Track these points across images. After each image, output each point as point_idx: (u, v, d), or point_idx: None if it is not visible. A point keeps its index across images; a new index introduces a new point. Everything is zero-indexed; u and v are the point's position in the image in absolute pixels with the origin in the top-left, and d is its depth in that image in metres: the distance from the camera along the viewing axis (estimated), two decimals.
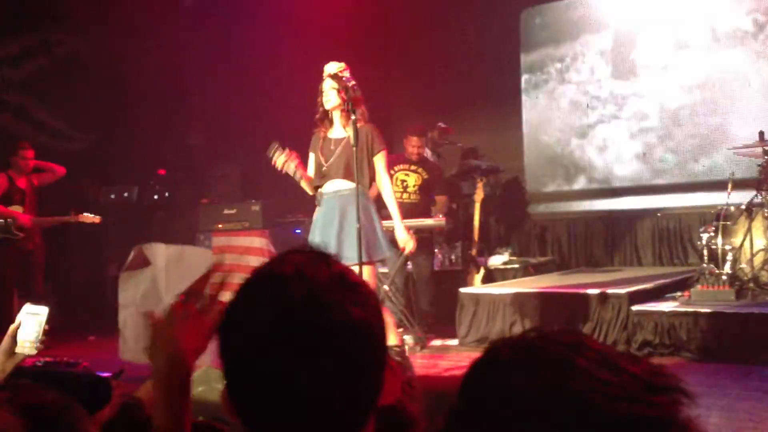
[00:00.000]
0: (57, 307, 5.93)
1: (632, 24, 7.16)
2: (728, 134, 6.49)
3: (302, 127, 7.63)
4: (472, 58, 7.83)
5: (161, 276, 4.02)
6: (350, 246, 3.88)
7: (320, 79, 4.05)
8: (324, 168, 4.02)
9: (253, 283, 0.93)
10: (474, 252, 6.41)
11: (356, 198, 3.87)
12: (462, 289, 5.73)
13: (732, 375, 4.14)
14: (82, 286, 7.65)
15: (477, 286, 5.98)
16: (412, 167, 5.88)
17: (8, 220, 5.90)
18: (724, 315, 4.50)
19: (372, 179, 4.04)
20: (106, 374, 1.57)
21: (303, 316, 0.86)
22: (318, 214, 4.02)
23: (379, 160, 4.02)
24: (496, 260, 6.73)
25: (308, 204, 7.25)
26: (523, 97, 7.79)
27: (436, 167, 6.17)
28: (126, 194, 7.74)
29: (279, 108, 7.90)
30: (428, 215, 5.75)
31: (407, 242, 4.04)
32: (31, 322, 1.52)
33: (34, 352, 1.52)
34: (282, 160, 3.93)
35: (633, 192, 7.19)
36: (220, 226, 7.24)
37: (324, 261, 0.93)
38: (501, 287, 5.60)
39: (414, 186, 5.85)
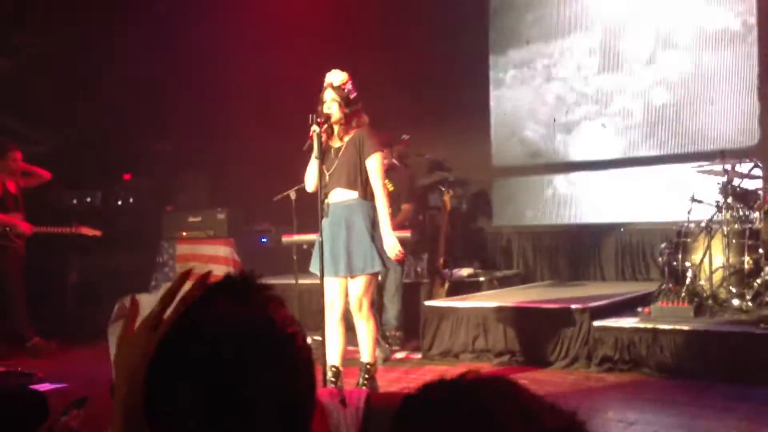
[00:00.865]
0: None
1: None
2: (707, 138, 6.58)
3: (272, 135, 7.67)
4: (441, 71, 7.87)
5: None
6: (359, 255, 3.92)
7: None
8: (326, 178, 4.00)
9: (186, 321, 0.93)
10: (440, 264, 6.43)
11: (361, 207, 3.94)
12: (426, 302, 5.74)
13: (690, 392, 4.19)
14: (41, 292, 7.50)
15: (442, 299, 5.99)
16: None
17: (7, 228, 5.78)
18: (682, 332, 4.55)
19: (366, 186, 4.00)
20: (46, 387, 1.53)
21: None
22: (325, 224, 3.98)
23: (371, 162, 3.97)
24: (462, 273, 6.76)
25: (274, 213, 7.25)
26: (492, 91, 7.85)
27: (404, 176, 6.17)
28: (89, 199, 7.62)
29: (249, 116, 7.86)
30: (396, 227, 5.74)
31: (394, 248, 3.95)
32: None
33: None
34: (317, 132, 3.84)
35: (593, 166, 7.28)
36: (184, 233, 7.20)
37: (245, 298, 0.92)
38: (465, 301, 5.62)
39: None
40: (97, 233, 5.79)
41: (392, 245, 3.96)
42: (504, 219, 7.81)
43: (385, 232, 3.96)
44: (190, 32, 7.76)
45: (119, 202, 7.92)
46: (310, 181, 4.05)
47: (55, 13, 7.18)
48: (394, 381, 4.74)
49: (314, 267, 4.06)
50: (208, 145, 7.88)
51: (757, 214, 5.12)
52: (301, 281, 5.93)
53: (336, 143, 4.06)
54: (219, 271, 7.16)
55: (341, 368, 4.08)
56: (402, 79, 7.91)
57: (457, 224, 7.26)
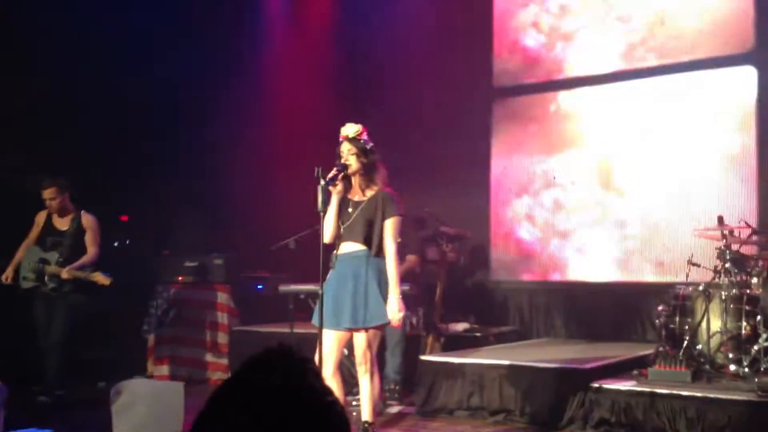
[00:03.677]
0: None
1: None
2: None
3: (274, 182, 7.70)
4: (443, 124, 7.96)
5: (148, 413, 3.94)
6: (365, 308, 3.90)
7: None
8: (341, 230, 4.02)
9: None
10: (436, 318, 6.40)
11: (371, 260, 3.94)
12: (422, 357, 5.70)
13: None
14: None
15: (438, 354, 5.95)
16: None
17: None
18: (680, 397, 4.52)
19: (381, 243, 4.01)
20: None
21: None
22: (331, 275, 3.99)
23: (388, 226, 4.00)
24: (458, 327, 6.72)
25: (271, 260, 7.24)
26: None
27: (409, 228, 6.16)
28: None
29: (251, 162, 7.91)
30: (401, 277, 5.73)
31: (395, 314, 3.92)
32: None
33: None
34: (323, 186, 3.87)
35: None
36: (180, 278, 7.16)
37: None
38: (461, 357, 5.58)
39: None
40: (106, 282, 5.61)
41: (396, 310, 3.92)
42: (501, 274, 7.81)
43: (392, 296, 3.94)
44: (199, 74, 7.86)
45: (115, 244, 7.89)
46: (326, 233, 4.03)
47: (57, 46, 7.17)
48: None
49: (316, 319, 4.04)
50: (208, 189, 7.90)
51: (755, 280, 5.13)
52: (296, 330, 5.90)
53: (357, 196, 4.07)
54: (213, 317, 7.14)
55: None
56: (402, 132, 8.00)
57: (455, 278, 7.24)
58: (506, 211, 7.89)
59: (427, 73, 8.02)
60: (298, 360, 0.97)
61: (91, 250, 5.85)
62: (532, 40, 7.86)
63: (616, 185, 7.26)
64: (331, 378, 3.98)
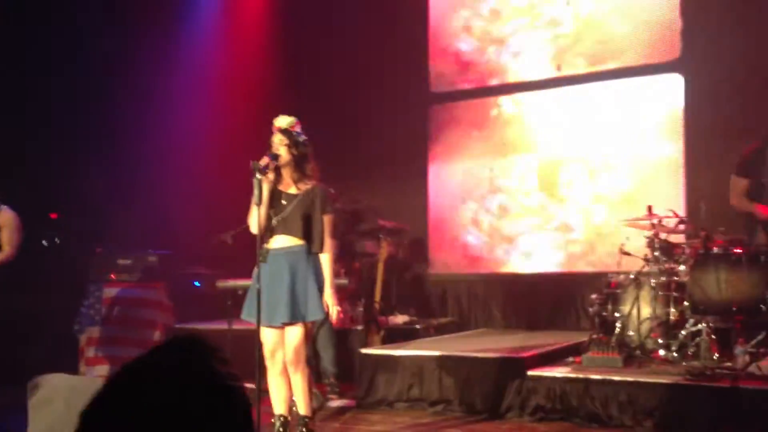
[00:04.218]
0: None
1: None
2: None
3: (209, 177, 7.58)
4: (381, 119, 7.99)
5: (65, 409, 3.81)
6: (302, 303, 3.87)
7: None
8: (274, 223, 3.95)
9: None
10: (376, 311, 6.42)
11: (307, 255, 3.91)
12: (362, 350, 5.70)
13: None
14: None
15: (377, 346, 5.97)
16: None
17: None
18: (612, 382, 4.65)
19: (322, 239, 3.99)
20: None
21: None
22: (262, 270, 3.90)
23: (327, 222, 4.00)
24: (397, 320, 6.76)
25: (209, 256, 7.13)
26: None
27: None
28: None
29: (186, 157, 7.76)
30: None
31: (333, 307, 3.94)
32: None
33: None
34: (259, 179, 3.83)
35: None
36: (113, 276, 6.97)
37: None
38: (400, 349, 5.60)
39: None
40: None
41: (332, 305, 3.94)
42: (439, 267, 7.88)
43: (328, 291, 3.95)
44: (130, 65, 7.67)
45: (45, 243, 7.64)
46: (255, 223, 3.98)
47: None
48: (328, 431, 4.66)
49: (248, 314, 3.99)
50: (141, 186, 7.72)
51: (682, 267, 5.31)
52: (235, 327, 5.82)
53: (289, 189, 4.02)
54: (149, 315, 6.98)
55: (289, 417, 4.00)
56: (342, 126, 7.99)
57: (394, 271, 7.27)
58: (446, 209, 7.96)
59: (366, 74, 8.03)
60: (201, 345, 0.97)
61: (6, 250, 5.46)
62: (465, 44, 7.95)
63: (558, 190, 7.40)
64: (281, 373, 3.95)
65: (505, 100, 7.71)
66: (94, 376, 6.57)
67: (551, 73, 7.46)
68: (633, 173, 7.01)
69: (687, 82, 6.77)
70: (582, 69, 7.31)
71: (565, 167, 7.35)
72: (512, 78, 7.66)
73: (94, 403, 0.92)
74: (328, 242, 3.99)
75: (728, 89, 6.41)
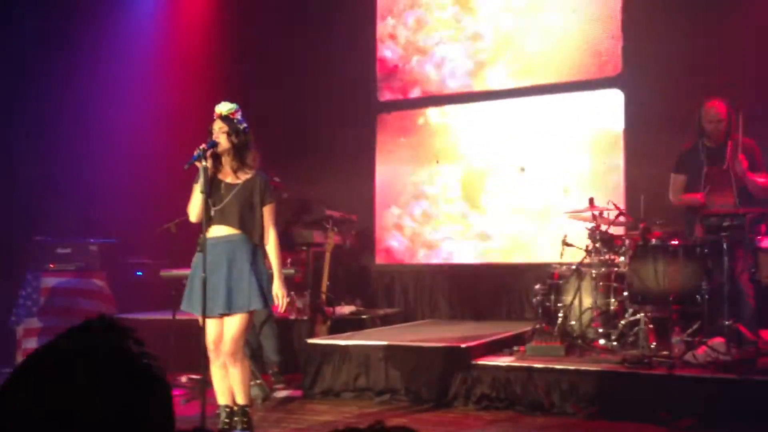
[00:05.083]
0: None
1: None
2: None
3: (151, 165, 7.42)
4: (329, 105, 7.96)
5: None
6: (240, 292, 3.81)
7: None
8: (212, 212, 3.87)
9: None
10: (322, 301, 6.41)
11: (245, 245, 3.85)
12: (308, 340, 5.69)
13: (561, 429, 4.36)
14: None
15: (324, 336, 5.96)
16: None
17: None
18: (555, 370, 4.75)
19: (262, 229, 3.94)
20: None
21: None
22: (199, 259, 3.82)
23: (267, 212, 3.94)
24: (344, 310, 6.76)
25: (151, 246, 6.99)
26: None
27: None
28: None
29: (128, 144, 7.58)
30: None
31: (282, 298, 3.90)
32: None
33: None
34: (204, 165, 3.78)
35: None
36: (51, 265, 6.78)
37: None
38: (347, 339, 5.61)
39: None
40: None
41: (282, 296, 3.90)
42: (386, 258, 7.92)
43: (277, 281, 3.91)
44: (66, 47, 7.43)
45: None
46: (194, 212, 3.93)
47: None
48: (278, 421, 4.64)
49: (188, 305, 3.93)
50: (80, 172, 7.51)
51: (622, 258, 5.45)
52: (179, 317, 5.74)
53: (229, 178, 3.95)
54: (89, 305, 6.80)
55: (235, 407, 3.95)
56: (289, 115, 7.93)
57: (340, 262, 7.27)
58: (387, 205, 7.99)
59: (314, 66, 7.99)
60: (115, 326, 0.97)
61: None
62: (389, 51, 7.97)
63: (481, 202, 7.51)
64: (223, 365, 3.90)
65: (435, 110, 7.78)
66: None
67: (476, 85, 7.56)
68: (566, 178, 7.14)
69: (627, 97, 6.91)
70: (512, 84, 7.41)
71: (494, 178, 7.45)
72: (437, 88, 7.75)
73: (5, 386, 0.91)
74: (271, 233, 3.94)
75: (666, 93, 6.56)
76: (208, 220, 3.86)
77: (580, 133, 7.16)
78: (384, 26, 8.03)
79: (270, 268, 3.98)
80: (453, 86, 7.70)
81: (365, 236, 7.93)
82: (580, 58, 7.16)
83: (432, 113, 7.82)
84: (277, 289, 3.91)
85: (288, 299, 3.98)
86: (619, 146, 7.00)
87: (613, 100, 7.02)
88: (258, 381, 5.19)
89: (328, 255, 6.58)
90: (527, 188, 7.29)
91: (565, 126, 7.21)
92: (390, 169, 7.95)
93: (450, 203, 7.66)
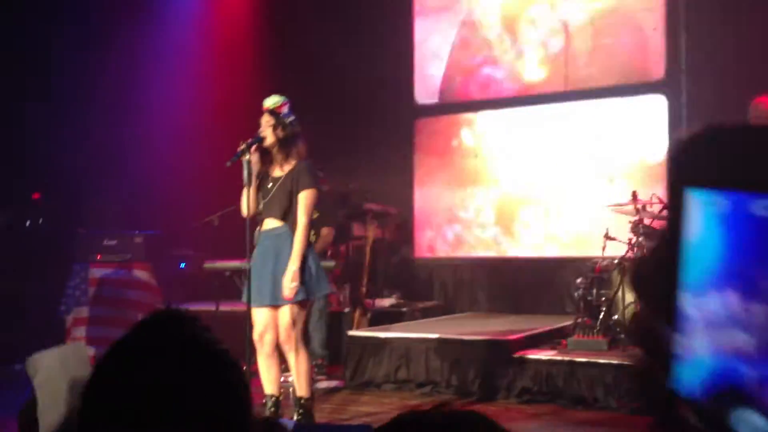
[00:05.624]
0: None
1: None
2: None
3: (196, 158, 7.53)
4: (367, 100, 7.98)
5: (65, 382, 3.82)
6: (282, 285, 3.84)
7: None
8: (261, 206, 3.96)
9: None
10: (362, 294, 6.44)
11: (290, 236, 3.88)
12: (349, 332, 5.73)
13: (604, 424, 4.33)
14: None
15: (364, 329, 6.00)
16: None
17: None
18: (597, 365, 4.72)
19: (295, 218, 3.94)
20: None
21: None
22: (256, 252, 3.94)
23: (302, 199, 3.92)
24: (384, 303, 6.79)
25: (195, 237, 7.10)
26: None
27: (326, 200, 6.13)
28: None
29: (173, 136, 7.70)
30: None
31: (288, 284, 3.84)
32: None
33: None
34: (254, 159, 3.84)
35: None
36: (98, 257, 6.92)
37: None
38: (387, 331, 5.64)
39: None
40: None
41: (290, 280, 3.83)
42: (425, 250, 7.93)
43: (290, 267, 3.85)
44: (114, 43, 7.57)
45: (28, 223, 7.56)
46: (243, 206, 4.02)
47: None
48: (319, 412, 4.68)
49: (245, 296, 4.01)
50: (126, 165, 7.65)
51: None
52: (222, 308, 5.83)
53: (277, 172, 4.01)
54: (135, 296, 6.94)
55: (281, 397, 4.00)
56: (328, 107, 7.97)
57: (380, 254, 7.30)
58: (430, 196, 7.99)
59: (357, 62, 8.02)
60: (183, 317, 0.99)
61: None
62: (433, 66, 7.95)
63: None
64: (269, 354, 3.95)
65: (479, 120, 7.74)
66: None
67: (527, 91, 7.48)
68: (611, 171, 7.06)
69: (670, 103, 6.79)
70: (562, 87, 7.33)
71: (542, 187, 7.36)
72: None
73: (92, 385, 0.94)
74: (300, 219, 3.90)
75: (716, 92, 6.40)
76: (260, 214, 3.94)
77: (624, 135, 7.06)
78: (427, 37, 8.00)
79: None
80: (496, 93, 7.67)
81: (404, 228, 7.94)
82: (624, 62, 7.05)
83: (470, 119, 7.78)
84: (289, 273, 3.83)
85: (294, 285, 3.86)
86: (663, 139, 6.89)
87: (657, 102, 6.91)
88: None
89: (368, 248, 6.61)
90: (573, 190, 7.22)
91: (609, 130, 7.13)
92: (429, 161, 7.92)
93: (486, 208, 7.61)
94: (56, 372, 3.71)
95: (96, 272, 6.81)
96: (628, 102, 7.07)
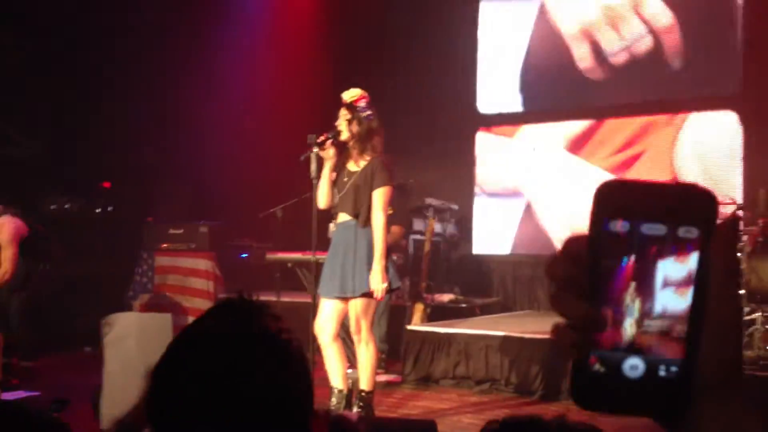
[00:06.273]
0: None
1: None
2: None
3: (261, 150, 7.64)
4: (431, 98, 7.95)
5: (137, 345, 3.92)
6: (350, 277, 3.86)
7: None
8: (336, 200, 4.00)
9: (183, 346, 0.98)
10: (422, 289, 6.43)
11: (357, 231, 3.89)
12: (408, 326, 5.73)
13: None
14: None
15: (423, 324, 5.98)
16: None
17: None
18: None
19: (367, 214, 3.93)
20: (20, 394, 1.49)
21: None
22: (330, 245, 4.06)
23: (376, 196, 3.89)
24: (443, 298, 6.76)
25: (256, 229, 7.21)
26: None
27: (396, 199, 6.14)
28: (67, 206, 7.49)
29: (238, 130, 7.83)
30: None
31: (377, 285, 3.82)
32: None
33: None
34: (331, 153, 3.89)
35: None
36: (164, 245, 7.11)
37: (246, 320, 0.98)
38: (447, 327, 5.62)
39: None
40: None
41: (379, 281, 3.81)
42: (485, 246, 7.86)
43: (376, 267, 3.82)
44: (182, 39, 7.74)
45: (98, 210, 7.81)
46: (318, 199, 4.05)
47: (45, 15, 7.12)
48: (376, 405, 4.68)
49: (317, 287, 4.08)
50: (192, 156, 7.82)
51: (740, 255, 5.20)
52: (283, 299, 5.91)
53: (352, 166, 3.99)
54: (199, 284, 7.10)
55: (345, 390, 3.99)
56: (391, 103, 7.96)
57: (440, 249, 7.27)
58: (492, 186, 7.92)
59: (416, 53, 8.00)
60: (254, 305, 0.99)
61: (4, 267, 5.08)
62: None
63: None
64: (329, 345, 3.96)
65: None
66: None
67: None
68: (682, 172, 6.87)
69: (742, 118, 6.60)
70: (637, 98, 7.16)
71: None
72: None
73: (161, 368, 0.95)
74: (376, 217, 3.86)
75: None
76: (334, 208, 3.98)
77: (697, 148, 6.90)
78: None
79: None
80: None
81: (464, 224, 7.89)
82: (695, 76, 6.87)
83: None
84: (374, 275, 3.80)
85: (384, 285, 3.85)
86: (738, 138, 6.67)
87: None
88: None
89: (427, 243, 6.60)
90: None
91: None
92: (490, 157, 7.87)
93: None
94: (131, 333, 3.81)
95: (162, 260, 7.00)
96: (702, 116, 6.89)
